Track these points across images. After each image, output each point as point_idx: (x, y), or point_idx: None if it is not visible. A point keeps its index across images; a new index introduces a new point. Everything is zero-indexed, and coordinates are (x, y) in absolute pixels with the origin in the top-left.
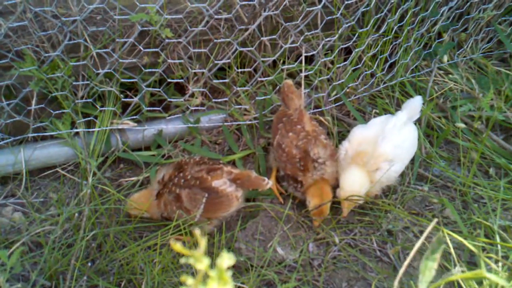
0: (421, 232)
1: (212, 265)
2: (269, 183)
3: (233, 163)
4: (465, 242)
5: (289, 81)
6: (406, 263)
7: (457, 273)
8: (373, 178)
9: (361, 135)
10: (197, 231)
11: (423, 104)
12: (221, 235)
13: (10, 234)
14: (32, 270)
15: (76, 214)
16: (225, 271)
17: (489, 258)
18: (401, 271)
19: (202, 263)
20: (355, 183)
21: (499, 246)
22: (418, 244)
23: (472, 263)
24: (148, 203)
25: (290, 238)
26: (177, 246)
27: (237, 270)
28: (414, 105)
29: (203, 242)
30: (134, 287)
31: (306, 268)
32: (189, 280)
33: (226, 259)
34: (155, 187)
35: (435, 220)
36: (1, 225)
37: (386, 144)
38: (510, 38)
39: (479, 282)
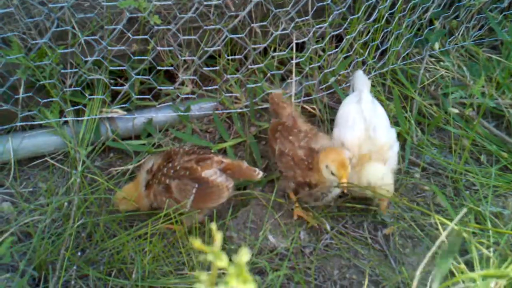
0: (413, 219)
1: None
2: (260, 173)
3: (224, 151)
4: (456, 228)
5: (278, 91)
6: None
7: None
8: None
9: (352, 138)
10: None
11: (415, 91)
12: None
13: None
14: (21, 260)
15: (66, 204)
16: (245, 267)
17: (481, 244)
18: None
19: (222, 261)
20: (385, 175)
21: (490, 232)
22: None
23: (464, 250)
24: (135, 193)
25: (282, 226)
26: (197, 243)
27: (228, 259)
28: (362, 79)
29: (219, 237)
30: (125, 276)
31: (298, 256)
32: (203, 276)
33: (245, 255)
34: (143, 177)
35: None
36: None
37: (380, 133)
38: (501, 26)
39: (471, 267)
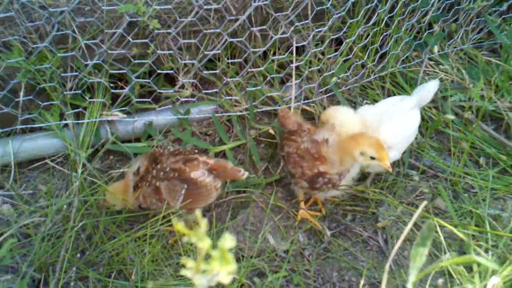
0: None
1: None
2: (245, 174)
3: (223, 154)
4: (455, 230)
5: (284, 107)
6: (395, 248)
7: (447, 259)
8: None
9: (364, 116)
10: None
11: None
12: (211, 226)
13: None
14: (21, 262)
15: (65, 206)
16: (227, 251)
17: (479, 246)
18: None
19: (204, 242)
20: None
21: (489, 234)
22: (406, 231)
23: (462, 252)
24: (121, 195)
25: (281, 229)
26: (179, 226)
27: None
28: (425, 91)
29: (204, 222)
30: (124, 277)
31: (297, 258)
32: (190, 263)
33: (228, 240)
34: (130, 178)
35: (424, 203)
36: None
37: (387, 130)
38: (500, 29)
39: (469, 269)
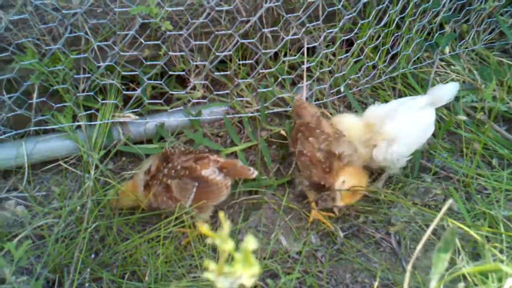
0: (425, 223)
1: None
2: (255, 172)
3: (235, 155)
4: (469, 231)
5: (298, 97)
6: (415, 254)
7: (464, 264)
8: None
9: (374, 111)
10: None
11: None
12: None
13: (13, 227)
14: (36, 263)
15: (79, 207)
16: (250, 253)
17: (494, 248)
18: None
19: (228, 244)
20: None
21: (503, 236)
22: (426, 235)
23: (476, 254)
24: (133, 192)
25: (293, 230)
26: (204, 229)
27: None
28: (440, 92)
29: (227, 224)
30: (138, 278)
31: (310, 260)
32: (212, 265)
33: (251, 242)
34: (141, 178)
35: (447, 204)
36: (4, 218)
37: (390, 123)
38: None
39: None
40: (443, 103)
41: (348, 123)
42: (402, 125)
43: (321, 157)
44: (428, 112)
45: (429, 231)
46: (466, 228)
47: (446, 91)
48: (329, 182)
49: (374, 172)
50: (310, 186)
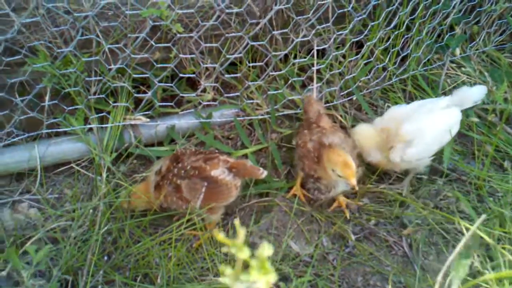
0: (436, 225)
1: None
2: (264, 172)
3: (245, 158)
4: (481, 233)
5: (308, 94)
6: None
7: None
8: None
9: (394, 112)
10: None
11: (436, 97)
12: (234, 229)
13: (26, 230)
14: (51, 266)
15: (91, 210)
16: (266, 260)
17: (505, 249)
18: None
19: (244, 253)
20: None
21: None
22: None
23: (488, 256)
24: (146, 193)
25: (304, 233)
26: (220, 236)
27: None
28: (467, 93)
29: (242, 231)
30: (150, 281)
31: (321, 263)
32: (228, 270)
33: (267, 249)
34: (152, 178)
35: (482, 217)
36: (17, 221)
37: (408, 125)
38: None
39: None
40: (470, 105)
41: (365, 131)
42: (420, 126)
43: (311, 148)
44: (451, 112)
45: (461, 244)
46: (477, 230)
47: (473, 93)
48: (318, 173)
49: (391, 173)
50: (306, 178)
